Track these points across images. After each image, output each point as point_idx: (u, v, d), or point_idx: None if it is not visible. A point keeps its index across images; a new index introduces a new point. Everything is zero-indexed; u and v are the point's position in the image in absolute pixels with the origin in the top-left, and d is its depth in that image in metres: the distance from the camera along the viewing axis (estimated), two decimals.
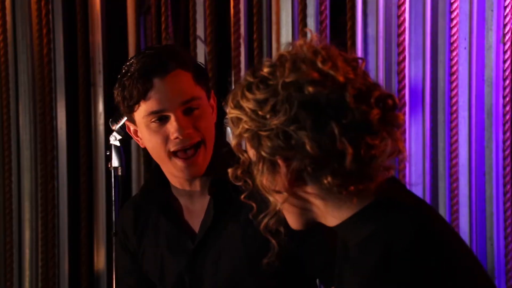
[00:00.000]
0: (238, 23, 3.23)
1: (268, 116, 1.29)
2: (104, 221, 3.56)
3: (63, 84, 3.58)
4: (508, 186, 2.82)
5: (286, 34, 3.16)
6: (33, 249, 3.68)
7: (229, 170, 1.40)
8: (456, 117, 2.87)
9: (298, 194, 1.35)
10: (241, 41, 3.23)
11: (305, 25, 3.07)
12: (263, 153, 1.31)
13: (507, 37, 2.77)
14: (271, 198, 1.37)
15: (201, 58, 3.32)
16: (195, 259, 1.95)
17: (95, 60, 3.51)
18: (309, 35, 1.38)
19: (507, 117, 2.80)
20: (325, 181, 1.30)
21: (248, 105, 1.31)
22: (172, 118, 1.83)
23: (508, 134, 2.80)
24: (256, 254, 1.89)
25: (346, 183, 1.30)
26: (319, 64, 1.30)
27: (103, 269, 3.59)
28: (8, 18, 3.60)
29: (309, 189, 1.33)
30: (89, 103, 3.56)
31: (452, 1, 2.86)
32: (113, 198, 2.08)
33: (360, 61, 1.35)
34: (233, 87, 1.94)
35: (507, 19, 2.77)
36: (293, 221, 1.40)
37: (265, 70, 1.32)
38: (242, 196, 1.41)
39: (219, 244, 1.92)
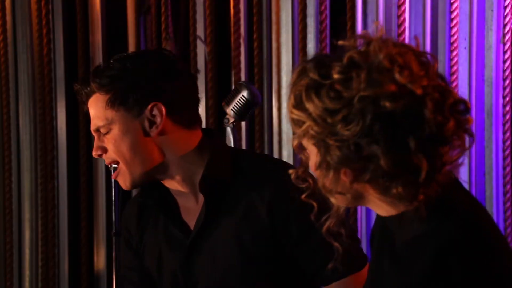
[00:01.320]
0: (238, 23, 3.23)
1: (339, 126, 1.25)
2: (104, 221, 3.56)
3: (63, 84, 3.58)
4: (508, 186, 2.82)
5: (286, 34, 3.16)
6: (33, 249, 3.68)
7: (291, 171, 1.39)
8: None
9: (359, 192, 1.33)
10: (241, 41, 3.23)
11: (305, 25, 3.07)
12: (330, 161, 1.28)
13: (507, 37, 2.77)
14: (332, 199, 1.34)
15: (201, 58, 3.32)
16: (189, 256, 1.96)
17: (95, 60, 3.51)
18: (373, 28, 1.31)
19: (507, 117, 2.80)
20: (395, 191, 1.28)
21: (315, 110, 1.27)
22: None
23: (508, 134, 2.80)
24: (250, 251, 1.90)
25: (417, 193, 1.28)
26: (397, 76, 1.25)
27: (103, 269, 3.58)
28: (8, 18, 3.60)
29: (372, 191, 1.31)
30: None
31: (452, 1, 2.86)
32: (113, 198, 2.08)
33: (429, 56, 1.30)
34: (233, 87, 1.93)
35: (507, 19, 2.77)
36: (341, 203, 1.37)
37: (336, 76, 1.26)
38: (303, 196, 1.40)
39: (213, 241, 1.93)
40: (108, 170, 2.21)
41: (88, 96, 1.93)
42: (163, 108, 1.88)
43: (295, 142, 1.32)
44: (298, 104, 1.29)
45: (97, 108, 1.92)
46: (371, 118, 1.24)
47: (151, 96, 1.88)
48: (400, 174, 1.26)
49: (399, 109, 1.24)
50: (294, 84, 1.31)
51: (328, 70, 1.28)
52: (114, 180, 2.09)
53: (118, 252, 2.12)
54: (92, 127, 1.95)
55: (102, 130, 1.92)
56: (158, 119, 1.89)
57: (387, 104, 1.23)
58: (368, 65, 1.26)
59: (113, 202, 2.10)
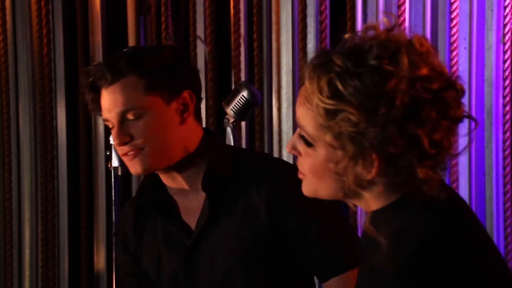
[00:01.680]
0: (238, 23, 3.23)
1: (382, 110, 1.26)
2: (104, 221, 3.56)
3: (63, 84, 3.58)
4: (508, 186, 2.82)
5: (286, 34, 3.16)
6: (33, 249, 3.68)
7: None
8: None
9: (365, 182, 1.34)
10: (241, 41, 3.23)
11: (305, 25, 3.07)
12: (366, 145, 1.28)
13: (507, 37, 2.77)
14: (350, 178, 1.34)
15: (201, 58, 3.32)
16: (190, 256, 1.95)
17: (95, 60, 3.51)
18: (382, 19, 1.34)
19: (507, 117, 2.80)
20: (421, 174, 1.29)
21: (356, 96, 1.27)
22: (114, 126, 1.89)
23: (508, 134, 2.80)
24: (250, 250, 1.90)
25: (435, 174, 1.31)
26: (430, 58, 1.29)
27: (103, 269, 3.59)
28: (8, 18, 3.61)
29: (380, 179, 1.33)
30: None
31: (452, 1, 2.86)
32: (113, 198, 2.09)
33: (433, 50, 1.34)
34: (233, 87, 1.94)
35: (507, 19, 2.77)
36: (326, 191, 1.38)
37: (374, 62, 1.27)
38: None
39: (214, 240, 1.93)
40: (108, 170, 2.20)
41: (114, 80, 1.86)
42: (194, 97, 1.91)
43: (330, 136, 1.31)
44: (334, 93, 1.28)
45: (128, 93, 1.86)
46: (415, 101, 1.26)
47: (185, 84, 1.89)
48: (435, 157, 1.29)
49: (435, 91, 1.27)
50: (318, 77, 1.30)
51: (360, 57, 1.28)
52: (114, 180, 2.09)
53: (118, 252, 2.12)
54: (117, 113, 1.87)
55: (131, 116, 1.87)
56: (190, 107, 1.90)
57: (427, 85, 1.27)
58: (404, 48, 1.28)
59: (113, 202, 2.11)
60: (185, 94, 1.89)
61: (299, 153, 1.39)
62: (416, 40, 1.30)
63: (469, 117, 1.34)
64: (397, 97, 1.25)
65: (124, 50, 1.96)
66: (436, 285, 1.26)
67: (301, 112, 1.35)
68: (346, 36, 1.33)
